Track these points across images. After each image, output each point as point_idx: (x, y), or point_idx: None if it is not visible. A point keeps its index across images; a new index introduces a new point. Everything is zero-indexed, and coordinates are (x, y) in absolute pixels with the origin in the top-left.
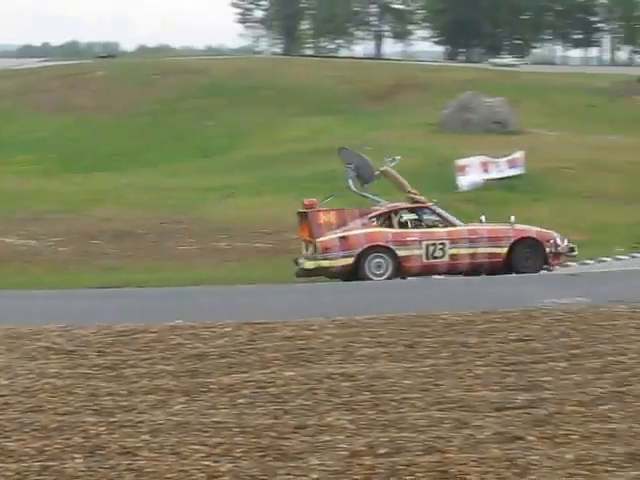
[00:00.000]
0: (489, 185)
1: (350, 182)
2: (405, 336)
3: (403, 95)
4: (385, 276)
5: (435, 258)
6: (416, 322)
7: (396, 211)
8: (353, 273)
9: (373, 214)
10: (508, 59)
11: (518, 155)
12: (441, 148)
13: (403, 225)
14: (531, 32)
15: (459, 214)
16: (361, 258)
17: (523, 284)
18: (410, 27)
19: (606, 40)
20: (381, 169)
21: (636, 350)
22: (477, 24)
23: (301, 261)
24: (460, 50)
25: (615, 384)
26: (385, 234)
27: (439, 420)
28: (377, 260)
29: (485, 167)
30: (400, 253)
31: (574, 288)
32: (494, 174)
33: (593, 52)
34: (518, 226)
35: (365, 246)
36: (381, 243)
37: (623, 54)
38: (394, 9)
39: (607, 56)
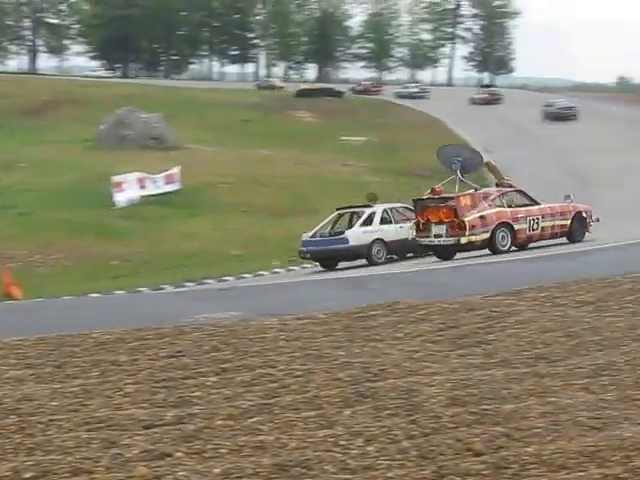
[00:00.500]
0: (146, 201)
1: (459, 172)
2: (54, 357)
3: (59, 110)
4: (507, 247)
5: (533, 230)
6: (66, 342)
7: (504, 194)
8: (487, 246)
9: (493, 196)
10: None
11: (175, 171)
12: (98, 164)
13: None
14: (188, 48)
15: (114, 230)
16: (494, 233)
17: (181, 301)
18: (66, 42)
19: (262, 56)
20: (485, 161)
21: (285, 362)
22: (133, 39)
23: (422, 239)
24: (117, 65)
25: (264, 396)
26: (506, 212)
27: (87, 441)
28: (502, 234)
29: (142, 183)
30: (516, 227)
31: (228, 302)
32: (151, 190)
33: (250, 68)
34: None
35: (496, 223)
36: (505, 220)
37: (279, 70)
38: (48, 23)
39: (263, 72)
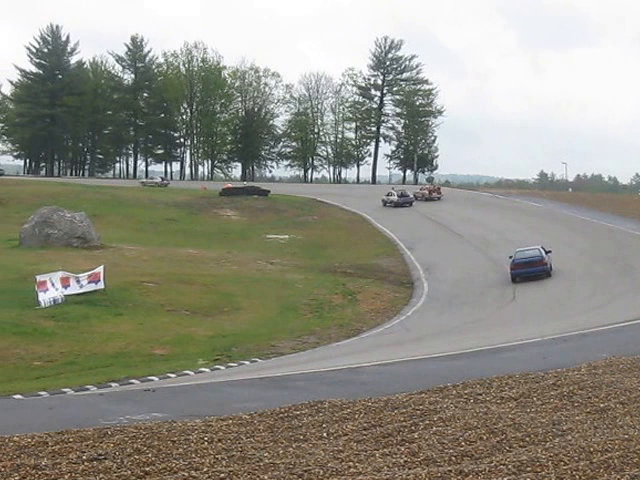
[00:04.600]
0: (70, 300)
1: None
2: None
3: None
4: None
5: None
6: None
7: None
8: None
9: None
10: None
11: (99, 270)
12: (21, 263)
13: None
14: (113, 147)
15: (38, 330)
16: None
17: (105, 402)
18: None
19: (187, 155)
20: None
21: (208, 464)
22: (58, 139)
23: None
24: (42, 164)
25: None
26: None
27: None
28: None
29: (66, 282)
30: None
31: (152, 403)
32: (75, 289)
33: (176, 166)
34: None
35: None
36: None
37: (204, 169)
38: None
39: (188, 171)
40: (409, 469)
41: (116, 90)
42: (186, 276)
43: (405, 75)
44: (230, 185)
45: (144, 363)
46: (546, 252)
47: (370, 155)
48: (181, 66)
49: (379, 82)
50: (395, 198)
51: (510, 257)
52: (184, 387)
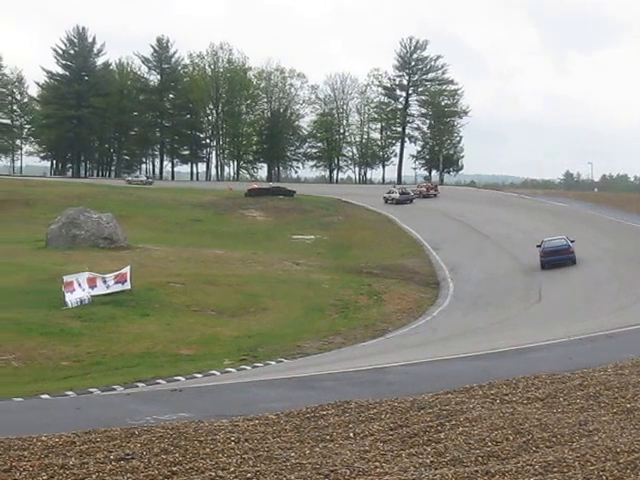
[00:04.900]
0: (97, 301)
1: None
2: (1, 460)
3: (9, 211)
4: None
5: None
6: (13, 445)
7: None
8: None
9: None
10: None
11: (125, 270)
12: (48, 264)
13: None
14: (139, 148)
15: (65, 330)
16: None
17: (131, 402)
18: (18, 142)
19: (213, 156)
20: None
21: (235, 464)
22: (84, 140)
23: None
24: (69, 166)
25: None
26: None
27: None
28: None
29: (92, 283)
30: None
31: (179, 403)
32: (101, 290)
33: (201, 167)
34: None
35: None
36: None
37: (230, 169)
38: (0, 124)
39: (214, 171)
40: (435, 469)
41: (142, 91)
42: (212, 277)
43: (430, 75)
44: (256, 186)
45: (170, 363)
46: (571, 241)
47: (395, 155)
48: (207, 67)
49: (404, 82)
50: (397, 196)
51: (538, 246)
52: (210, 387)
